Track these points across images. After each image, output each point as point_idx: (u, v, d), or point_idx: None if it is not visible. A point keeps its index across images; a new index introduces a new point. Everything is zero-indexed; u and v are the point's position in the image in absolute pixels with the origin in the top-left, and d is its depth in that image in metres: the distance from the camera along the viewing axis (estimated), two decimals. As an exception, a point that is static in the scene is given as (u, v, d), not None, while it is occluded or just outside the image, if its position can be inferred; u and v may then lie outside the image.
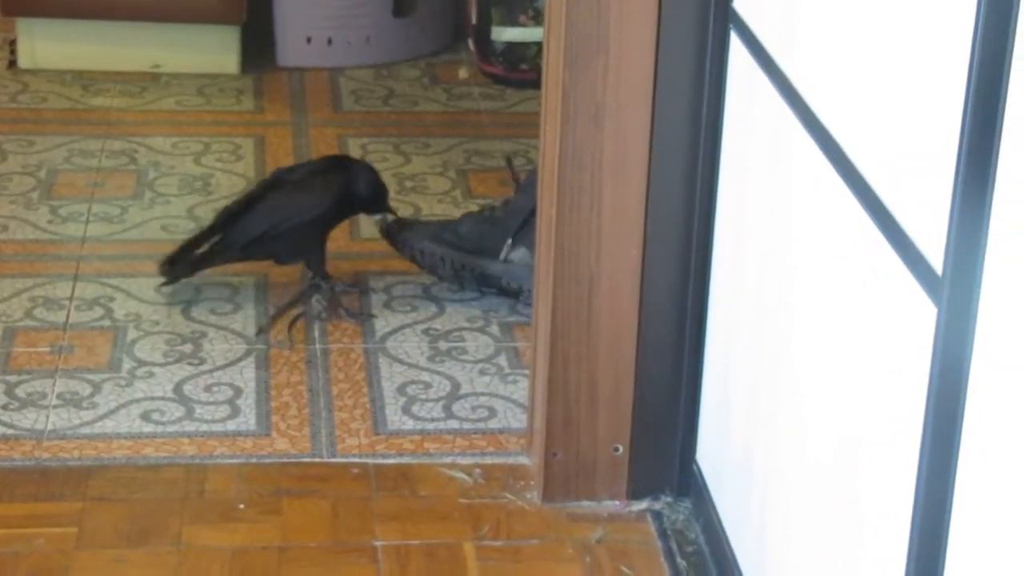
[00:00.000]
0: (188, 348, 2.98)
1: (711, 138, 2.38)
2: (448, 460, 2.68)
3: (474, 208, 3.45)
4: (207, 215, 3.43)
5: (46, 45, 4.25)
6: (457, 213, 3.39)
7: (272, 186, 3.18)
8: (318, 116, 4.08)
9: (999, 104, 1.41)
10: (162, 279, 3.16)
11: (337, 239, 3.26)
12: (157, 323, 3.06)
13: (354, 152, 3.80)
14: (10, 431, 2.71)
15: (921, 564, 1.59)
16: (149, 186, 3.63)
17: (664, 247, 2.45)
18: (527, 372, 2.80)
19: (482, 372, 2.94)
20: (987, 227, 1.45)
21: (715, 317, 2.44)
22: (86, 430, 2.72)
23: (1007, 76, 1.40)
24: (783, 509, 2.11)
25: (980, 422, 1.49)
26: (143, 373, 2.89)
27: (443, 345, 3.02)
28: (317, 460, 2.67)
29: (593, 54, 2.33)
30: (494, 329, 3.09)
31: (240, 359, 2.95)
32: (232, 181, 3.66)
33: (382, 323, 3.09)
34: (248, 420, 2.77)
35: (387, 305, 3.16)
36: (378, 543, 2.47)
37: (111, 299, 3.14)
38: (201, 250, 3.15)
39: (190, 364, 2.93)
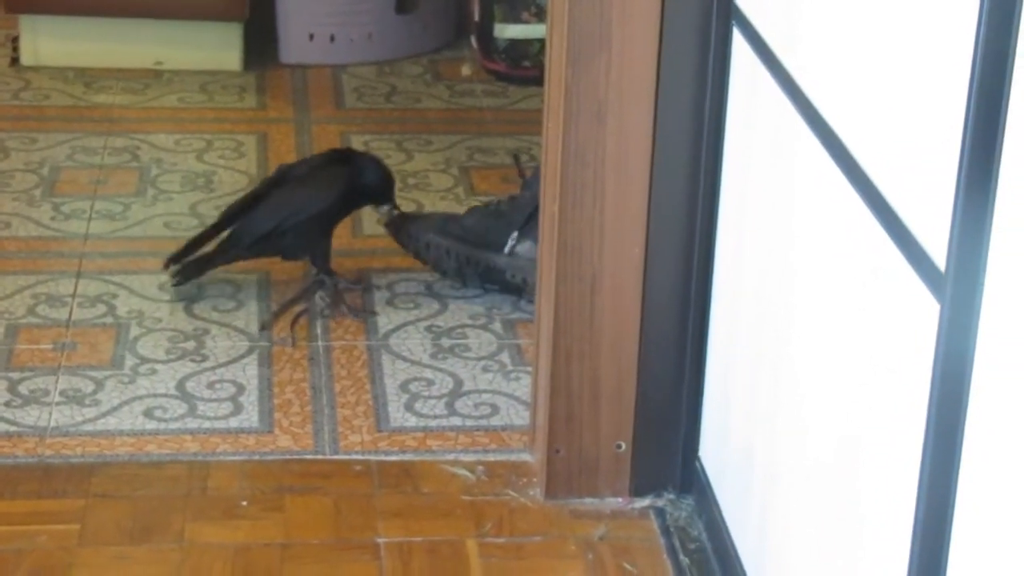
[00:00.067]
0: (191, 345, 2.98)
1: (714, 135, 2.38)
2: (451, 457, 2.68)
3: (478, 204, 3.45)
4: (209, 212, 3.44)
5: (49, 42, 4.25)
6: (460, 210, 3.39)
7: (277, 183, 3.18)
8: (321, 113, 4.07)
9: (1002, 100, 1.41)
10: (166, 277, 3.15)
11: (340, 236, 3.26)
12: (160, 320, 3.06)
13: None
14: (13, 428, 2.71)
15: (924, 560, 1.59)
16: (152, 183, 3.63)
17: (667, 244, 2.45)
18: (530, 369, 2.80)
19: (485, 369, 2.94)
20: (990, 223, 1.44)
21: (717, 314, 2.43)
22: (89, 427, 2.72)
23: (1010, 72, 1.40)
24: (785, 506, 2.11)
25: (983, 420, 1.49)
26: (146, 370, 2.89)
27: (446, 342, 3.02)
28: (320, 457, 2.67)
29: (596, 51, 2.33)
30: (497, 326, 3.09)
31: (243, 356, 2.95)
32: (235, 178, 3.66)
33: (385, 320, 3.09)
34: (251, 417, 2.77)
35: (390, 302, 3.16)
36: (381, 540, 2.47)
37: (114, 296, 3.14)
38: (207, 249, 3.15)
39: (193, 361, 2.93)
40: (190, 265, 3.14)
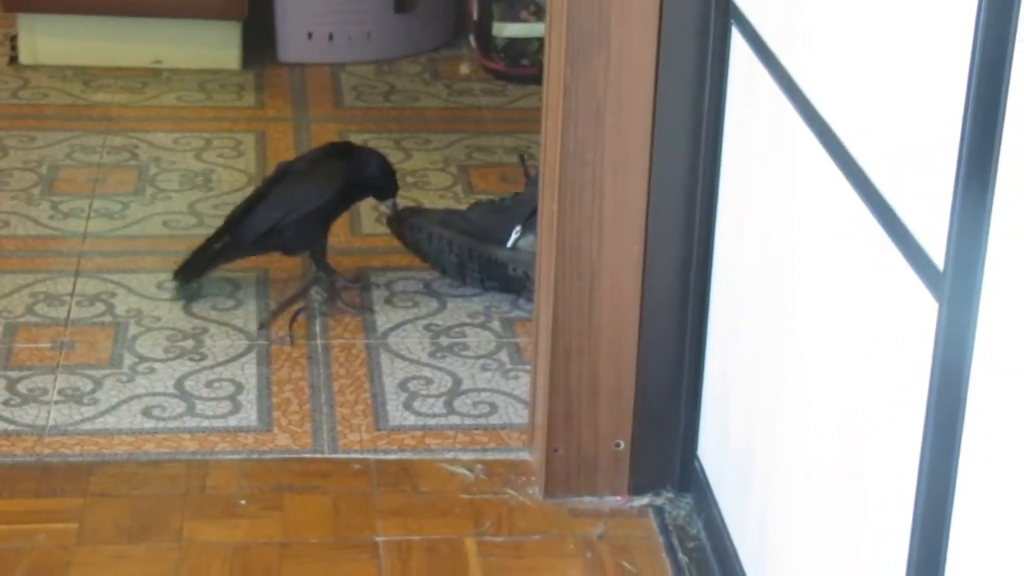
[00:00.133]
0: (189, 344, 2.98)
1: (712, 133, 2.38)
2: (449, 456, 2.68)
3: (481, 200, 3.45)
4: (208, 211, 3.44)
5: (47, 41, 4.25)
6: (460, 208, 3.39)
7: (276, 180, 3.18)
8: (319, 112, 4.07)
9: (1001, 98, 1.41)
10: (165, 276, 3.15)
11: (338, 235, 3.26)
12: (158, 319, 3.06)
13: (355, 148, 3.80)
14: (11, 427, 2.71)
15: (922, 557, 1.59)
16: (150, 182, 3.63)
17: (665, 242, 2.45)
18: (528, 368, 2.80)
19: (483, 368, 2.94)
20: (988, 221, 1.44)
21: (716, 312, 2.43)
22: (87, 426, 2.72)
23: (1009, 70, 1.40)
24: (784, 504, 2.11)
25: (981, 417, 1.49)
26: (144, 369, 2.89)
27: (444, 341, 3.02)
28: (318, 456, 2.67)
29: (594, 49, 2.33)
30: (495, 325, 3.09)
31: (241, 355, 2.95)
32: (233, 177, 3.66)
33: (383, 319, 3.09)
34: (249, 416, 2.77)
35: (388, 301, 3.16)
36: (379, 539, 2.47)
37: (112, 295, 3.14)
38: (212, 251, 3.15)
39: (191, 360, 2.93)
40: (192, 264, 3.14)
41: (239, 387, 2.85)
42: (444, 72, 4.36)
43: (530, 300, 2.91)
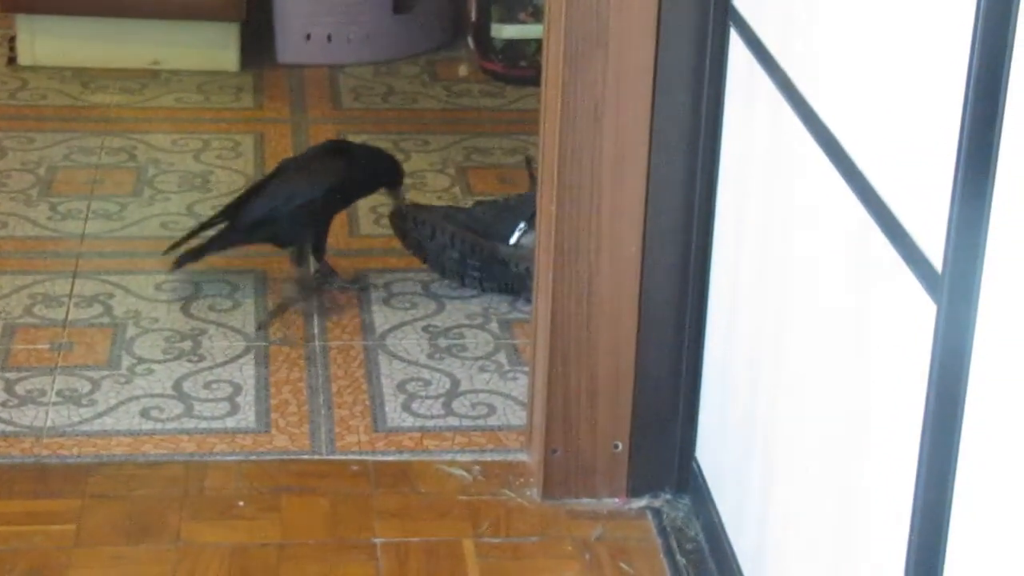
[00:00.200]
0: (187, 345, 2.98)
1: (711, 135, 2.38)
2: (447, 457, 2.68)
3: (485, 199, 3.45)
4: (206, 212, 3.43)
5: (46, 42, 4.25)
6: (463, 207, 3.40)
7: (275, 174, 3.21)
8: (317, 113, 4.07)
9: (999, 100, 1.41)
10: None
11: (336, 236, 3.26)
12: (156, 320, 3.06)
13: (354, 149, 3.80)
14: (9, 428, 2.71)
15: (921, 559, 1.59)
16: (148, 183, 3.63)
17: (664, 244, 2.45)
18: (526, 369, 2.80)
19: (482, 369, 2.94)
20: (987, 224, 1.44)
21: (715, 314, 2.43)
22: (85, 427, 2.72)
23: (1007, 72, 1.40)
24: (782, 506, 2.11)
25: (980, 419, 1.49)
26: (142, 370, 2.89)
27: (443, 342, 3.02)
28: (316, 457, 2.67)
29: (592, 51, 2.33)
30: (494, 326, 3.09)
31: (239, 356, 2.95)
32: (232, 178, 3.66)
33: (382, 320, 3.09)
34: (247, 417, 2.77)
35: (386, 302, 3.16)
36: (377, 540, 2.47)
37: (110, 296, 3.14)
38: (207, 237, 3.16)
39: (189, 361, 2.93)
40: (187, 251, 3.14)
41: (237, 388, 2.85)
42: (442, 73, 4.36)
43: (528, 301, 2.91)
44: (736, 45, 2.28)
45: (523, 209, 3.12)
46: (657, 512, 2.55)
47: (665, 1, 2.32)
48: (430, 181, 3.68)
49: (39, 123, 3.94)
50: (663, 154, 2.40)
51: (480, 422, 2.78)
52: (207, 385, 2.85)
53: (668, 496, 2.57)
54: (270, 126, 3.98)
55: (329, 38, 4.36)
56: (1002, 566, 1.44)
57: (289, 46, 4.36)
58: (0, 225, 3.41)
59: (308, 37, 4.35)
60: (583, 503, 2.57)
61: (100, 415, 2.75)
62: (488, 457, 2.69)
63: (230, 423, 2.75)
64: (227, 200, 3.35)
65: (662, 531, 2.50)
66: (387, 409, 2.81)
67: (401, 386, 2.88)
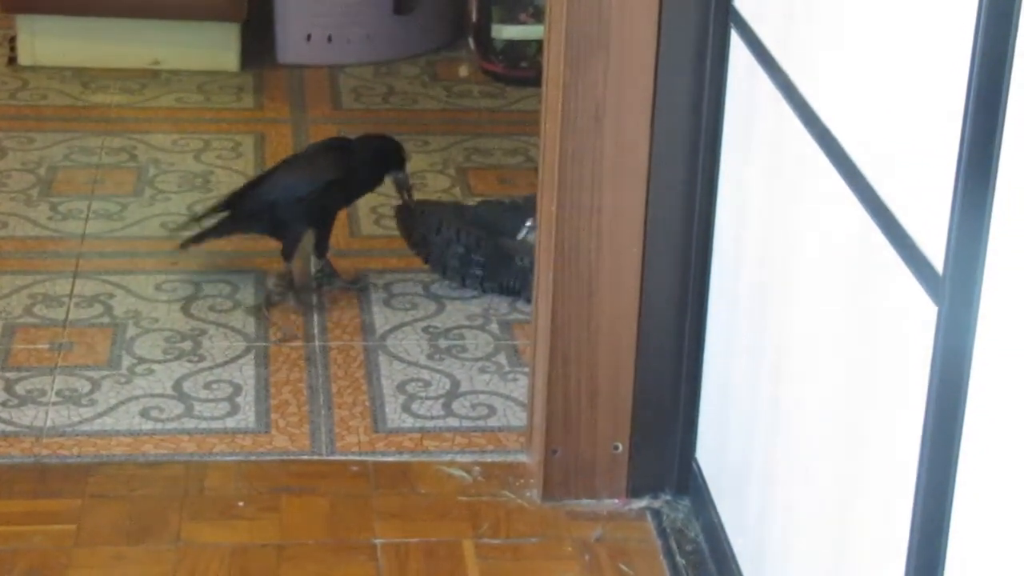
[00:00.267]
0: (187, 345, 2.98)
1: (711, 136, 2.38)
2: (447, 458, 2.68)
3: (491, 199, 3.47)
4: (207, 212, 3.44)
5: (46, 42, 4.25)
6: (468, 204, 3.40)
7: (277, 167, 3.24)
8: (318, 113, 4.07)
9: (1000, 103, 1.41)
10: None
11: (337, 235, 3.26)
12: (156, 320, 3.06)
13: (354, 150, 3.80)
14: (9, 428, 2.71)
15: (921, 561, 1.59)
16: (149, 183, 3.63)
17: (664, 245, 2.45)
18: (527, 370, 2.80)
19: (482, 370, 2.94)
20: (988, 226, 1.45)
21: (715, 315, 2.43)
22: (85, 427, 2.72)
23: (1008, 75, 1.40)
24: (782, 507, 2.11)
25: (981, 421, 1.49)
26: (142, 370, 2.89)
27: (443, 343, 3.02)
28: (316, 458, 2.67)
29: (593, 52, 2.33)
30: (494, 327, 3.09)
31: (239, 356, 2.95)
32: (232, 178, 3.66)
33: (382, 320, 3.09)
34: (247, 417, 2.77)
35: (387, 303, 3.16)
36: (377, 541, 2.47)
37: (111, 296, 3.14)
38: (210, 224, 3.18)
39: (189, 361, 2.93)
40: (189, 238, 3.18)
41: (237, 389, 2.85)
42: (443, 74, 4.36)
43: (528, 302, 2.91)
44: (737, 46, 2.28)
45: (530, 208, 3.13)
46: (657, 513, 2.55)
47: (666, 2, 2.32)
48: (430, 181, 3.68)
49: (39, 123, 3.94)
50: (664, 155, 2.40)
51: (480, 423, 2.78)
52: (207, 385, 2.85)
53: (668, 497, 2.57)
54: (270, 126, 3.98)
55: (330, 38, 4.36)
56: (1003, 568, 1.44)
57: (290, 46, 4.36)
58: (0, 225, 3.41)
59: (309, 37, 4.35)
60: (583, 504, 2.57)
61: (100, 415, 2.75)
62: (488, 458, 2.69)
63: (230, 423, 2.75)
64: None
65: (662, 532, 2.50)
66: (387, 410, 2.81)
67: (401, 387, 2.88)
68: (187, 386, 2.85)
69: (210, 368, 2.91)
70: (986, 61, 1.41)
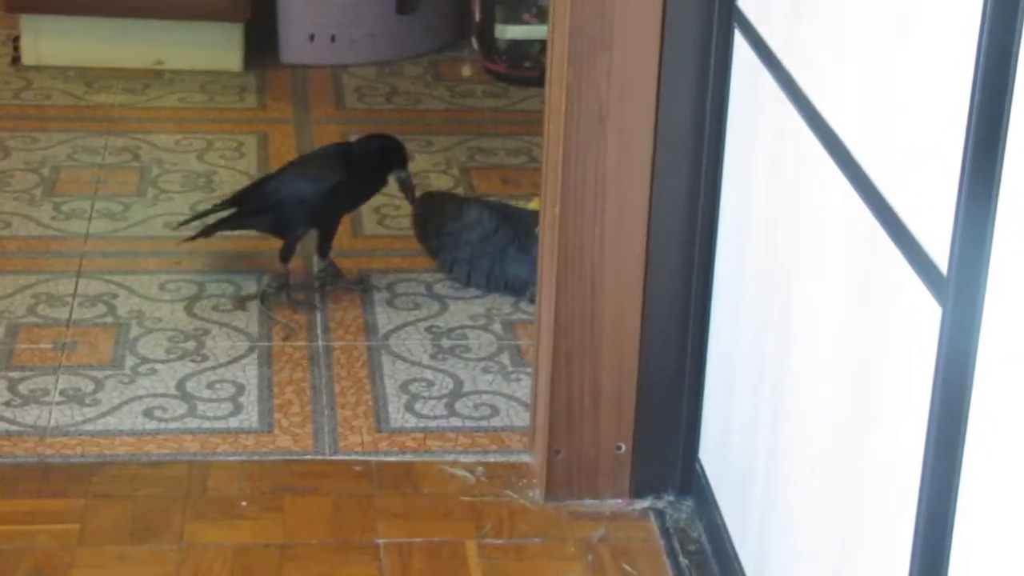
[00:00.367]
0: (191, 345, 2.98)
1: (715, 136, 2.38)
2: (450, 458, 2.68)
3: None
4: (210, 212, 3.45)
5: (50, 41, 4.25)
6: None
7: (284, 168, 3.25)
8: (321, 113, 4.08)
9: (1005, 103, 1.41)
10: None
11: (340, 236, 3.26)
12: (160, 320, 3.06)
13: (357, 150, 3.80)
14: (13, 427, 2.71)
15: (925, 562, 1.59)
16: (152, 183, 3.63)
17: (668, 245, 2.45)
18: (530, 370, 2.80)
19: (485, 370, 2.94)
20: (992, 227, 1.44)
21: (718, 316, 2.43)
22: (89, 427, 2.72)
23: (1013, 74, 1.40)
24: (786, 508, 2.10)
25: (985, 421, 1.49)
26: (146, 370, 2.89)
27: (446, 343, 3.02)
28: (319, 457, 2.67)
29: (597, 52, 2.33)
30: (497, 327, 3.09)
31: (242, 356, 2.95)
32: (235, 178, 3.66)
33: (385, 320, 3.09)
34: (250, 417, 2.77)
35: (390, 303, 3.16)
36: (380, 541, 2.47)
37: (114, 296, 3.14)
38: (216, 218, 3.20)
39: (193, 361, 2.93)
40: (198, 229, 3.20)
41: (240, 388, 2.85)
42: (446, 74, 4.36)
43: (532, 302, 2.91)
44: (740, 47, 2.28)
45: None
46: (660, 513, 2.55)
47: (670, 3, 2.32)
48: (434, 181, 3.68)
49: (43, 123, 3.94)
50: (667, 156, 2.40)
51: (483, 423, 2.78)
52: (210, 385, 2.86)
53: (671, 497, 2.57)
54: (274, 126, 3.98)
55: (333, 38, 4.36)
56: (1007, 570, 1.44)
57: (293, 46, 4.36)
58: (4, 225, 3.41)
59: (312, 37, 4.35)
60: (586, 504, 2.57)
61: (103, 415, 2.75)
62: (491, 458, 2.69)
63: (233, 423, 2.75)
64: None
65: (665, 532, 2.50)
66: (390, 410, 2.81)
67: (404, 387, 2.88)
68: (190, 386, 2.85)
69: (213, 368, 2.91)
70: (991, 61, 1.41)
